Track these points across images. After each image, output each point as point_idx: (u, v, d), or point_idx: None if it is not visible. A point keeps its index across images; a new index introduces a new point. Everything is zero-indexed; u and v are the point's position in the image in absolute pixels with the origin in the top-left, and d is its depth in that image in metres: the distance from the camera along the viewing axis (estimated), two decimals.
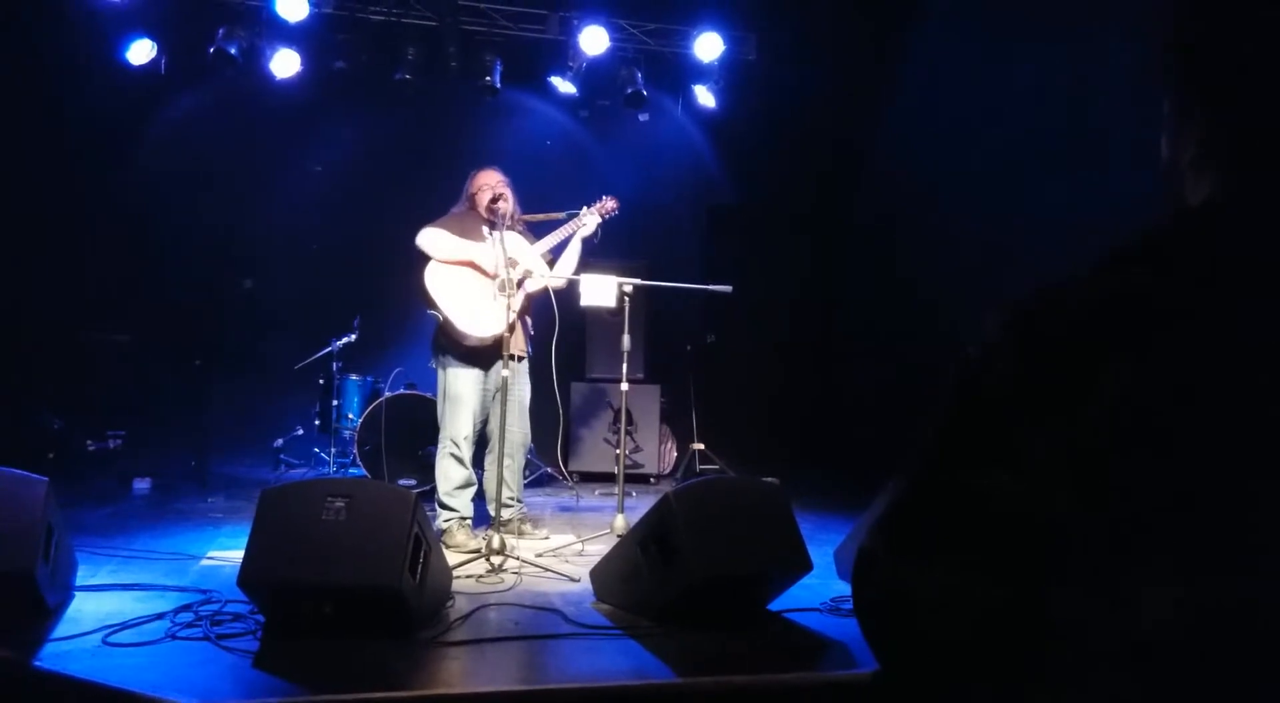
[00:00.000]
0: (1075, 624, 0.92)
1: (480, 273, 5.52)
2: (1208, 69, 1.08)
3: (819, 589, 4.37)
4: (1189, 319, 0.94)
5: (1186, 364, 0.92)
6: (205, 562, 4.84)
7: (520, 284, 5.47)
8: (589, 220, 5.80)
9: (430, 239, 5.49)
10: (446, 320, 5.44)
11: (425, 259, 5.49)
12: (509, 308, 5.17)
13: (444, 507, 5.49)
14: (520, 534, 5.53)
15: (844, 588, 4.44)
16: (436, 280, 5.46)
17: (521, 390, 5.68)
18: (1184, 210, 1.09)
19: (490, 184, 5.71)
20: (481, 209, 5.67)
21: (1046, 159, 6.34)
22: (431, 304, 5.46)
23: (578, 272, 5.85)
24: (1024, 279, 1.05)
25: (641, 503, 6.83)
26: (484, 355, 5.51)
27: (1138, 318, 0.95)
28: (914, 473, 1.07)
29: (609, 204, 5.90)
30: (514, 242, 5.53)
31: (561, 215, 5.89)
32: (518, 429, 5.59)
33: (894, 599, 1.05)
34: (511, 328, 5.21)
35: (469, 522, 5.51)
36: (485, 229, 5.62)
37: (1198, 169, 1.09)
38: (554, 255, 5.84)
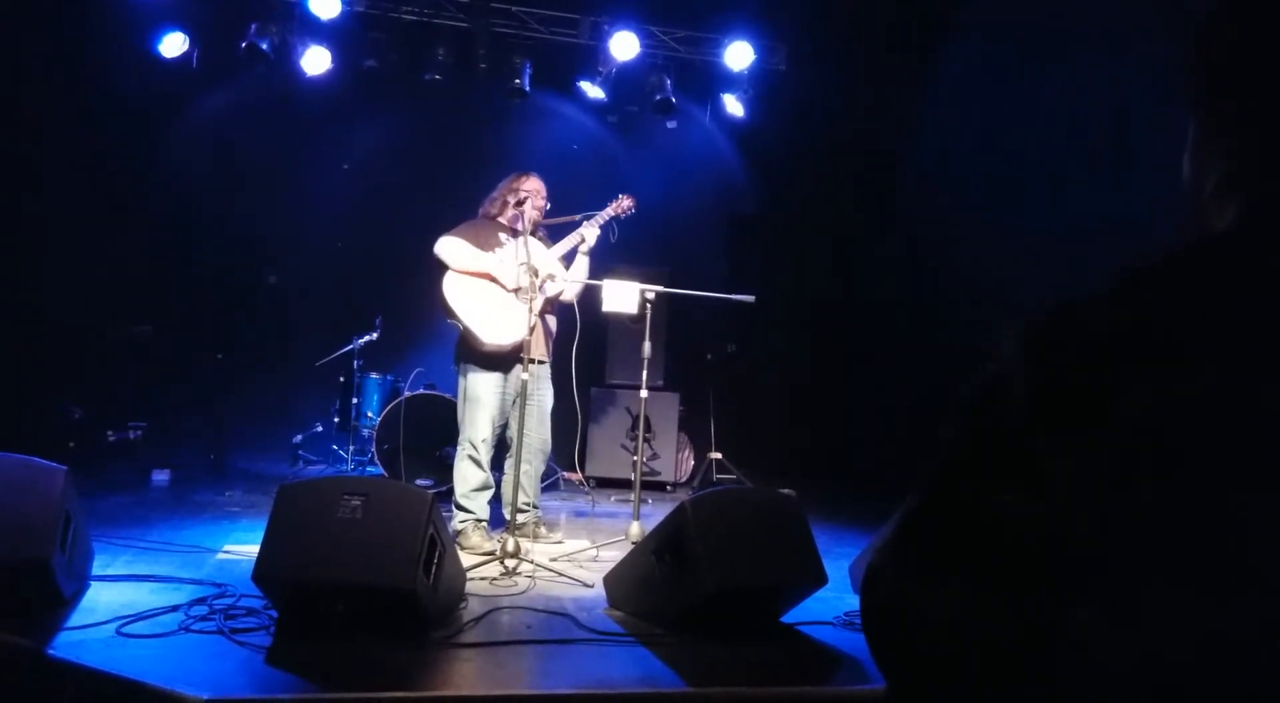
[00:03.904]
0: (1085, 647, 0.91)
1: (496, 282, 5.52)
2: (1235, 92, 1.06)
3: (833, 603, 4.35)
4: (1210, 345, 0.92)
5: (1206, 390, 0.90)
6: (221, 555, 4.86)
7: (540, 289, 5.46)
8: (589, 234, 5.79)
9: (448, 249, 5.49)
10: (467, 330, 5.44)
11: (443, 268, 5.49)
12: (530, 312, 5.16)
13: (460, 508, 5.49)
14: (535, 538, 5.53)
15: (858, 603, 4.42)
16: (455, 291, 5.46)
17: (543, 396, 5.67)
18: (1208, 234, 1.07)
19: (531, 190, 5.71)
20: (508, 213, 5.67)
21: (1078, 174, 6.30)
22: (451, 314, 5.46)
23: (595, 277, 5.84)
24: (1048, 295, 1.03)
25: (657, 510, 6.83)
26: (504, 360, 5.51)
27: (1159, 341, 0.93)
28: (926, 490, 1.06)
29: (625, 203, 5.89)
30: (533, 247, 5.53)
31: (578, 218, 5.88)
32: (536, 434, 5.58)
33: (902, 617, 1.04)
34: (531, 332, 5.21)
35: (485, 524, 5.51)
36: (503, 236, 5.62)
37: (1222, 193, 1.06)
38: (567, 261, 5.84)
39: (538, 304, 5.35)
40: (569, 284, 5.69)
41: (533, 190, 5.72)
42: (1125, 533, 0.91)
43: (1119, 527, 0.91)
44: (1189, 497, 0.89)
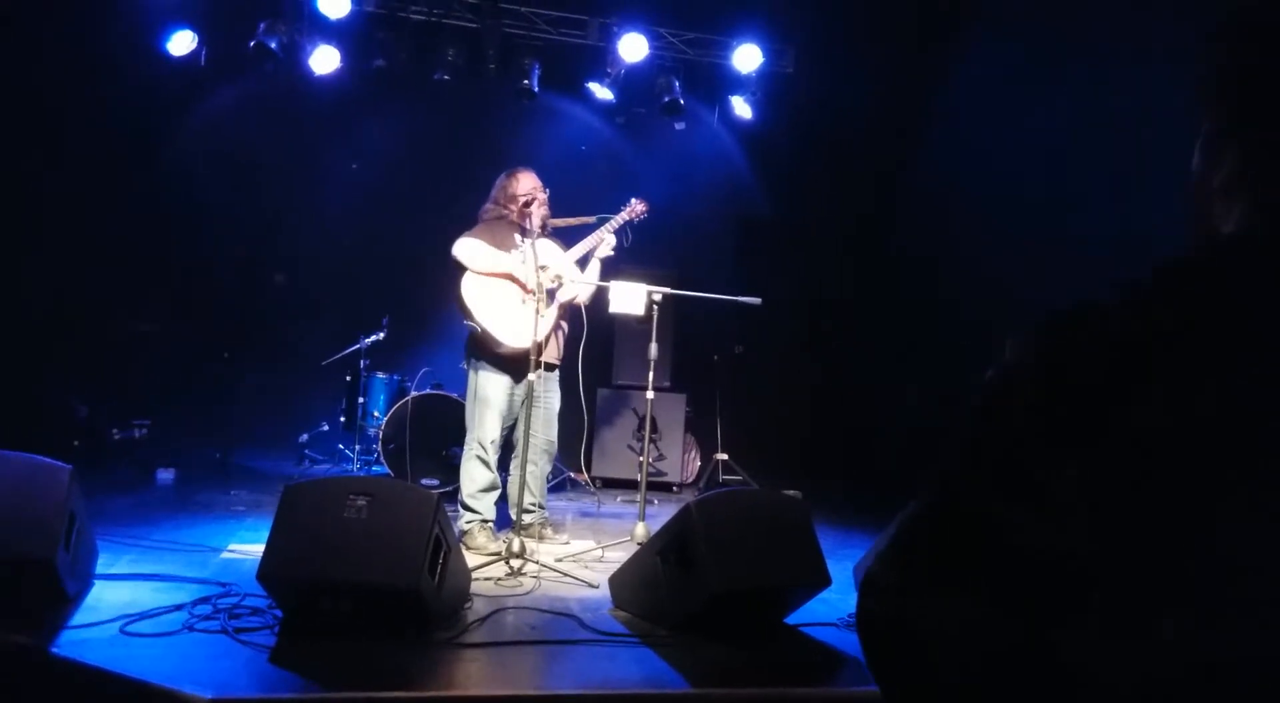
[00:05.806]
0: (1089, 665, 0.89)
1: (515, 283, 5.51)
2: (1254, 91, 1.04)
3: (837, 604, 4.34)
4: (1221, 355, 0.91)
5: (1217, 401, 0.89)
6: (226, 555, 4.85)
7: (553, 294, 5.46)
8: (609, 238, 5.78)
9: (467, 251, 5.47)
10: (485, 331, 5.43)
11: (459, 269, 5.48)
12: (538, 314, 5.15)
13: (466, 508, 5.47)
14: (541, 538, 5.52)
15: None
16: (473, 293, 5.45)
17: (550, 399, 5.66)
18: (1217, 239, 1.05)
19: (531, 189, 5.69)
20: (516, 214, 5.65)
21: (1085, 178, 6.29)
22: (469, 316, 5.44)
23: (605, 278, 5.82)
24: (1054, 299, 1.01)
25: (663, 511, 6.82)
26: (516, 363, 5.48)
27: (1171, 350, 0.91)
28: (928, 499, 1.04)
29: (638, 208, 5.87)
30: (546, 249, 5.52)
31: (593, 219, 5.87)
32: (542, 435, 5.57)
33: (898, 627, 1.02)
34: (546, 338, 5.20)
35: (490, 524, 5.50)
36: (517, 236, 5.61)
37: (1230, 193, 1.05)
38: (583, 264, 5.82)
39: (553, 309, 5.36)
40: (587, 286, 5.67)
41: (532, 189, 5.70)
42: (1128, 549, 0.89)
43: (1123, 542, 0.89)
44: (1200, 515, 0.87)
